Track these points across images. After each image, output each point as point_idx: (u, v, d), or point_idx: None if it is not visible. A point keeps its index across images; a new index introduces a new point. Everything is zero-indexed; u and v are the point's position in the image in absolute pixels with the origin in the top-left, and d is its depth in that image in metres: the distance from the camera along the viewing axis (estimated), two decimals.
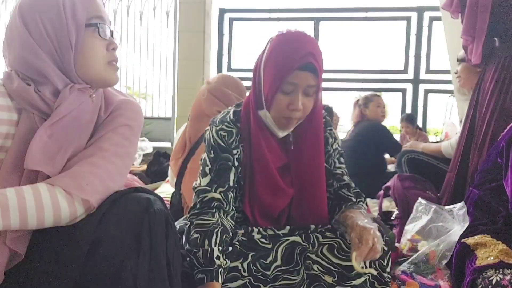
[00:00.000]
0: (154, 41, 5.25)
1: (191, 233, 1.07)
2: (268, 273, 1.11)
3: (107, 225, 0.84)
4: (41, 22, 0.89)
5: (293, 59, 1.07)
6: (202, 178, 1.16)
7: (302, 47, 1.08)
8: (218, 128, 1.17)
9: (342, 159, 1.30)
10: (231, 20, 5.26)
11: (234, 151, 1.17)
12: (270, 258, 1.12)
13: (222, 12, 5.23)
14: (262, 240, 1.14)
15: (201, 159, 1.21)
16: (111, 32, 0.96)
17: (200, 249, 1.03)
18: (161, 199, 0.92)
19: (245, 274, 1.10)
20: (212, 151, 1.17)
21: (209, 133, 1.19)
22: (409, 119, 4.51)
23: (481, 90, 1.88)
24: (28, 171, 0.86)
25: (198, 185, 1.16)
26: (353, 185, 1.27)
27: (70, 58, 0.91)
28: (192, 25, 4.88)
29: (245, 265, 1.11)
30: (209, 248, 1.03)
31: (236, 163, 1.17)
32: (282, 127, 1.17)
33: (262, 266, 1.11)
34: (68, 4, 0.90)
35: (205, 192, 1.13)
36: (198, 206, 1.12)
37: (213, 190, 1.12)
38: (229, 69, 5.28)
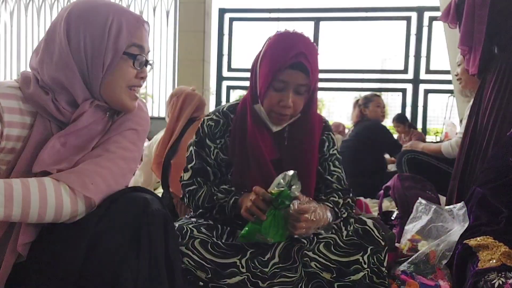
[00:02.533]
0: (154, 41, 5.25)
1: (203, 208, 1.22)
2: (266, 270, 1.11)
3: (105, 225, 0.84)
4: (83, 35, 0.88)
5: (284, 58, 1.12)
6: (184, 172, 1.29)
7: (295, 47, 1.13)
8: (208, 118, 1.28)
9: (337, 163, 1.31)
10: (231, 20, 5.26)
11: (217, 141, 1.26)
12: (268, 256, 1.13)
13: (222, 12, 5.23)
14: None
15: (187, 149, 1.32)
16: (147, 62, 0.96)
17: (216, 193, 1.20)
18: (159, 198, 0.92)
19: (243, 270, 1.10)
20: (195, 145, 1.28)
21: (200, 124, 1.28)
22: (399, 119, 4.55)
23: (482, 99, 1.88)
24: (39, 174, 0.86)
25: (182, 180, 1.29)
26: (343, 194, 1.27)
27: (99, 78, 0.91)
28: (192, 25, 4.88)
29: (243, 261, 1.11)
30: (220, 189, 1.21)
31: (214, 154, 1.25)
32: (275, 122, 1.22)
33: (260, 263, 1.12)
34: (115, 26, 0.90)
35: (188, 186, 1.26)
36: (188, 195, 1.26)
37: (195, 182, 1.26)
38: (229, 69, 5.28)
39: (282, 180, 1.08)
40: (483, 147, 1.79)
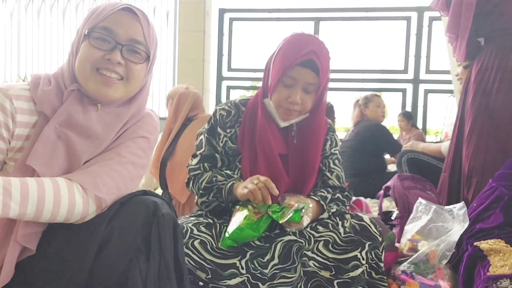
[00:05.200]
0: None
1: (202, 189, 1.25)
2: (266, 271, 1.12)
3: (115, 227, 0.86)
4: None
5: (296, 55, 1.17)
6: (193, 158, 1.33)
7: (307, 46, 1.18)
8: (220, 107, 1.33)
9: (337, 162, 1.35)
10: (231, 20, 5.25)
11: (228, 130, 1.30)
12: (268, 257, 1.13)
13: (222, 12, 5.22)
14: (258, 242, 1.16)
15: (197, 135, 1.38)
16: (121, 45, 0.92)
17: (217, 175, 1.24)
18: (168, 202, 0.94)
19: (243, 271, 1.11)
20: (206, 132, 1.32)
21: (213, 113, 1.33)
22: (405, 115, 4.57)
23: (468, 90, 1.90)
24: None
25: (190, 164, 1.33)
26: (334, 190, 1.30)
27: (72, 63, 0.94)
28: (192, 25, 4.88)
29: (243, 262, 1.12)
30: (221, 172, 1.26)
31: (223, 142, 1.29)
32: (283, 117, 1.25)
33: (260, 264, 1.12)
34: (91, 13, 0.94)
35: (194, 170, 1.30)
36: (192, 179, 1.30)
37: (201, 167, 1.29)
38: (229, 69, 5.28)
39: (297, 205, 1.12)
40: (465, 139, 1.82)
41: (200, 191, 1.27)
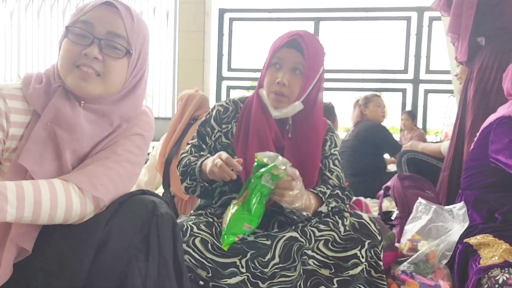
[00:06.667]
0: (154, 41, 5.25)
1: (180, 173, 1.28)
2: (266, 270, 1.12)
3: (114, 227, 0.85)
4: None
5: (282, 39, 1.25)
6: (186, 147, 1.38)
7: (294, 31, 1.24)
8: (219, 104, 1.37)
9: (337, 163, 1.35)
10: (231, 20, 5.26)
11: (223, 126, 1.33)
12: (269, 256, 1.13)
13: (222, 12, 5.23)
14: (259, 239, 1.16)
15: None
16: (98, 40, 0.89)
17: (190, 157, 1.27)
18: (166, 202, 0.93)
19: (243, 270, 1.11)
20: (201, 124, 1.36)
21: (211, 108, 1.37)
22: (410, 113, 4.58)
23: (468, 90, 1.90)
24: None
25: (182, 151, 1.38)
26: (333, 187, 1.29)
27: (57, 61, 0.93)
28: (192, 25, 4.88)
29: (243, 261, 1.12)
30: (196, 154, 1.29)
31: (216, 136, 1.32)
32: (273, 104, 1.26)
33: (260, 264, 1.12)
34: (75, 11, 0.93)
35: (182, 154, 1.34)
36: (179, 161, 1.33)
37: (188, 152, 1.33)
38: (229, 69, 5.28)
39: (271, 157, 1.07)
40: (465, 138, 1.84)
41: (180, 177, 1.29)
